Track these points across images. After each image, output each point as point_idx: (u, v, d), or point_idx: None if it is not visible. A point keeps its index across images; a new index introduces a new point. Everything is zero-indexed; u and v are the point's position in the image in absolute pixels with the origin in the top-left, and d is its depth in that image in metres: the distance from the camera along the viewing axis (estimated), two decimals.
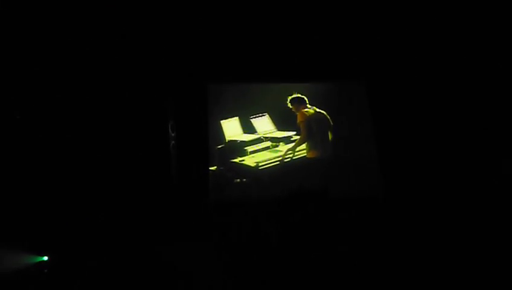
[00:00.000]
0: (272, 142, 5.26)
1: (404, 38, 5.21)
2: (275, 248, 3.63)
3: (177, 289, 3.86)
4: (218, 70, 5.20)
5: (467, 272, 3.55)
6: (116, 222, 4.42)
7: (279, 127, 5.33)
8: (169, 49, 5.06)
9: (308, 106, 5.30)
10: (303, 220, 3.71)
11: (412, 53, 5.27)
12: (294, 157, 5.18)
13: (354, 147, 5.27)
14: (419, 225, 4.42)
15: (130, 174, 4.66)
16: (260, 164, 5.07)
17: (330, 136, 5.28)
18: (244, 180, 5.03)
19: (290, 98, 5.33)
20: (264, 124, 5.32)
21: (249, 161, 5.10)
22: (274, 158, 5.15)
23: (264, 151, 5.21)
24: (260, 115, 5.34)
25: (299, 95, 5.34)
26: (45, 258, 4.17)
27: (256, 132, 5.28)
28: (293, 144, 5.21)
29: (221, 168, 5.06)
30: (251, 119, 5.30)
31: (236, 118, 5.28)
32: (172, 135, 5.03)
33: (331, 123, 5.28)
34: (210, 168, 5.03)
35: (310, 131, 5.23)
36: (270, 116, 5.36)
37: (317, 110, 5.30)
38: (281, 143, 5.26)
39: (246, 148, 5.16)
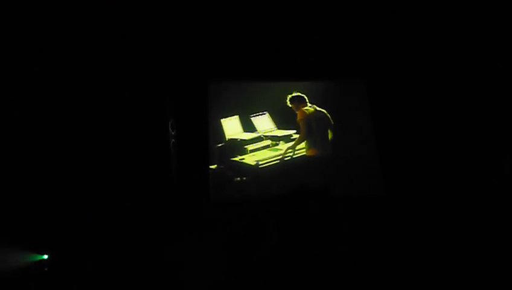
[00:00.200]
0: (272, 140, 5.26)
1: (405, 37, 5.20)
2: (275, 247, 3.63)
3: (177, 288, 3.87)
4: (219, 69, 5.19)
5: (467, 272, 3.56)
6: (116, 221, 4.42)
7: (280, 125, 5.33)
8: (169, 48, 5.04)
9: (309, 104, 5.30)
10: (303, 219, 3.71)
11: (412, 52, 5.27)
12: (294, 156, 5.18)
13: (354, 145, 5.27)
14: (419, 224, 4.43)
15: (130, 173, 4.66)
16: (260, 163, 5.07)
17: (330, 135, 5.28)
18: (245, 178, 5.03)
19: (289, 96, 5.32)
20: (264, 123, 5.32)
21: (249, 159, 5.11)
22: (274, 157, 5.15)
23: (264, 150, 5.21)
24: (260, 113, 5.33)
25: (299, 94, 5.33)
26: (45, 256, 4.17)
27: (256, 130, 5.28)
28: (293, 142, 5.21)
29: (222, 166, 5.07)
30: (251, 118, 5.30)
31: (237, 116, 5.28)
32: (173, 133, 5.02)
33: (332, 122, 5.29)
34: (210, 167, 5.03)
35: (310, 129, 5.24)
36: (270, 114, 5.36)
37: (318, 108, 5.30)
38: (281, 142, 5.26)
39: (246, 146, 5.16)
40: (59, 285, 4.12)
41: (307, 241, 3.48)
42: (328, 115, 5.29)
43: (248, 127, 5.27)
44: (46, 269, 4.14)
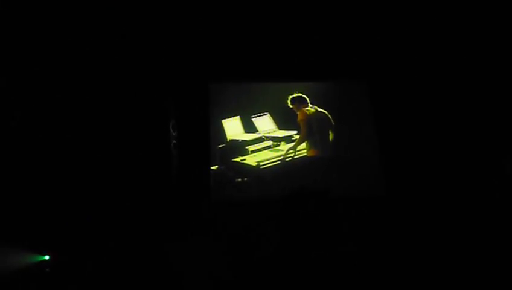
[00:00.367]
0: (273, 141, 5.27)
1: (406, 38, 5.21)
2: (276, 247, 3.63)
3: (178, 288, 3.87)
4: (220, 70, 5.20)
5: (468, 272, 3.57)
6: (117, 222, 4.42)
7: (281, 126, 5.33)
8: (170, 49, 5.05)
9: (310, 105, 5.31)
10: (304, 219, 3.71)
11: (413, 52, 5.28)
12: (295, 157, 5.19)
13: (355, 146, 5.27)
14: (420, 224, 4.44)
15: (131, 174, 4.66)
16: (261, 163, 5.08)
17: (332, 136, 5.29)
18: (246, 179, 5.03)
19: (290, 97, 5.33)
20: (265, 124, 5.33)
21: (250, 160, 5.11)
22: (275, 157, 5.15)
23: (265, 151, 5.21)
24: (261, 114, 5.34)
25: (300, 94, 5.35)
26: (46, 257, 4.17)
27: (257, 131, 5.28)
28: (294, 143, 5.21)
29: (223, 167, 5.07)
30: (252, 119, 5.30)
31: (238, 117, 5.28)
32: (174, 134, 5.02)
33: (333, 122, 5.29)
34: (211, 168, 5.04)
35: (310, 129, 5.24)
36: (272, 115, 5.36)
37: (319, 109, 5.31)
38: (282, 142, 5.26)
39: (247, 147, 5.17)
40: (60, 286, 4.12)
41: (308, 242, 3.48)
42: (329, 115, 5.30)
43: (249, 127, 5.28)
44: (47, 269, 4.13)
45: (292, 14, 4.95)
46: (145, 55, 4.99)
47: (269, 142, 5.25)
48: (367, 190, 5.02)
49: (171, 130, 5.01)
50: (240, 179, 5.03)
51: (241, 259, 3.68)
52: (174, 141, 5.00)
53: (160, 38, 4.95)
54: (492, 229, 4.13)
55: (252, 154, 5.15)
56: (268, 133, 5.29)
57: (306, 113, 5.26)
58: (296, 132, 5.26)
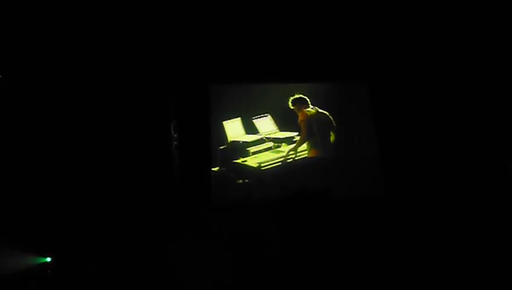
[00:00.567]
0: (274, 142, 5.27)
1: (406, 39, 5.21)
2: (278, 248, 3.63)
3: (178, 288, 3.87)
4: (221, 71, 5.20)
5: (469, 272, 3.55)
6: (119, 223, 4.42)
7: (282, 127, 5.33)
8: (171, 50, 5.06)
9: (311, 106, 5.31)
10: (305, 220, 3.71)
11: (414, 53, 5.27)
12: (296, 158, 5.19)
13: (356, 147, 5.27)
14: (421, 224, 4.42)
15: (133, 176, 4.67)
16: (262, 165, 5.08)
17: (333, 137, 5.28)
18: (247, 180, 5.03)
19: (291, 98, 5.33)
20: (266, 125, 5.33)
21: (251, 161, 5.11)
22: (276, 159, 5.15)
23: (266, 152, 5.21)
24: (262, 115, 5.34)
25: (301, 96, 5.34)
26: (48, 259, 4.18)
27: (258, 132, 5.28)
28: (295, 144, 5.21)
29: (224, 168, 5.07)
30: (253, 120, 5.31)
31: (239, 118, 5.28)
32: (175, 136, 5.03)
33: (334, 123, 5.29)
34: (212, 169, 5.04)
35: (310, 130, 5.24)
36: (273, 116, 5.36)
37: (319, 110, 5.30)
38: (283, 144, 5.26)
39: (248, 149, 5.17)
40: (62, 287, 4.13)
41: (309, 243, 3.48)
42: (330, 116, 5.30)
43: (250, 129, 5.28)
44: (49, 271, 4.14)
45: (293, 16, 4.95)
46: (146, 56, 5.00)
47: (270, 144, 5.25)
48: (368, 191, 5.02)
49: (172, 131, 5.02)
50: (241, 181, 5.03)
51: (242, 260, 3.68)
52: (175, 143, 5.01)
53: (161, 40, 4.96)
54: (493, 230, 4.11)
55: (253, 156, 5.15)
56: (269, 134, 5.29)
57: (307, 114, 5.26)
58: (297, 133, 5.26)
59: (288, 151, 5.18)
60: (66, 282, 4.12)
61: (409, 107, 5.21)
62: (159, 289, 4.00)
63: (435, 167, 4.92)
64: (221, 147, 5.14)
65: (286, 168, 5.11)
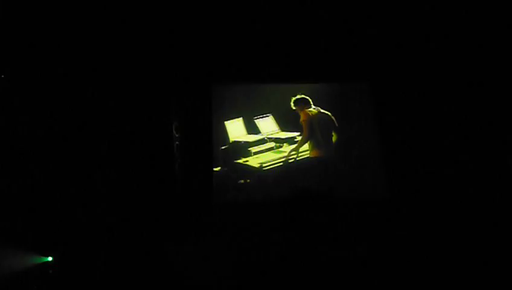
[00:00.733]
0: (276, 142, 5.26)
1: (410, 39, 5.19)
2: (279, 249, 3.62)
3: (181, 288, 3.86)
4: (222, 71, 5.20)
5: (472, 273, 3.54)
6: (120, 223, 4.42)
7: (283, 127, 5.33)
8: (173, 50, 5.05)
9: (313, 106, 5.30)
10: (307, 221, 3.70)
11: (417, 54, 5.26)
12: (298, 158, 5.18)
13: (358, 148, 5.26)
14: (424, 225, 4.41)
15: (134, 176, 4.67)
16: (264, 165, 5.07)
17: (335, 137, 5.27)
18: (248, 181, 5.02)
19: (293, 99, 5.32)
20: (268, 125, 5.32)
21: (253, 161, 5.10)
22: (278, 159, 5.14)
23: (268, 152, 5.20)
24: (264, 115, 5.33)
25: (303, 96, 5.33)
26: (50, 258, 4.17)
27: (260, 132, 5.28)
28: (296, 144, 5.20)
29: (225, 169, 5.06)
30: (255, 120, 5.30)
31: (240, 118, 5.28)
32: (176, 136, 5.03)
33: (336, 124, 5.28)
34: (214, 169, 5.03)
35: (312, 130, 5.23)
36: (274, 116, 5.35)
37: (322, 110, 5.30)
38: (284, 144, 5.25)
39: (249, 149, 5.16)
40: (63, 287, 4.12)
41: (312, 244, 3.47)
42: (332, 117, 5.29)
43: (252, 129, 5.27)
44: (50, 271, 4.14)
45: (295, 16, 4.94)
46: (147, 56, 4.99)
47: (272, 144, 5.24)
48: (370, 192, 5.01)
49: (174, 131, 5.02)
50: (242, 181, 5.03)
51: (244, 260, 3.66)
52: (176, 143, 5.00)
53: (163, 39, 4.95)
54: (498, 231, 4.10)
55: (254, 156, 5.14)
56: (271, 134, 5.28)
57: (308, 114, 5.25)
58: (298, 133, 5.25)
59: (290, 152, 5.17)
60: (67, 282, 4.12)
61: (412, 108, 5.20)
62: (160, 289, 4.00)
63: (438, 167, 4.91)
64: (223, 147, 5.14)
65: (288, 169, 5.10)
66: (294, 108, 5.31)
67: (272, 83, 5.42)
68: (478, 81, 5.06)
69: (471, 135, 4.96)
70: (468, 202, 4.54)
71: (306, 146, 5.22)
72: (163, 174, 4.80)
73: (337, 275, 3.16)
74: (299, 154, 5.19)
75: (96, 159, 4.65)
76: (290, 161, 5.15)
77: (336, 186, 4.89)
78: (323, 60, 5.33)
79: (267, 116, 5.35)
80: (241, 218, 4.56)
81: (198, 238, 4.20)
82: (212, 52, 5.11)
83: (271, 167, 5.09)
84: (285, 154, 5.17)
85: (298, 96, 5.33)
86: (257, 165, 5.06)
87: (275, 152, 5.21)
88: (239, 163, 5.09)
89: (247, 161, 5.11)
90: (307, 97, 5.32)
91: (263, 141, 5.24)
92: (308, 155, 5.20)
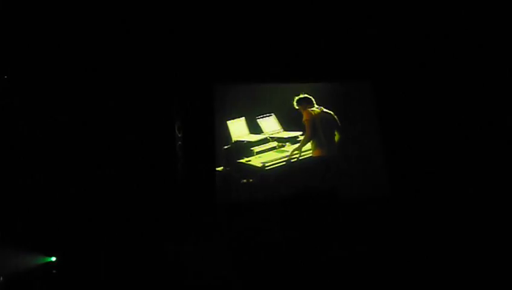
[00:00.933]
0: (278, 142, 5.25)
1: (411, 38, 5.18)
2: (282, 249, 3.62)
3: (183, 288, 3.87)
4: (225, 71, 5.19)
5: (474, 272, 3.53)
6: (123, 223, 4.43)
7: (286, 127, 5.32)
8: (175, 50, 5.06)
9: (316, 106, 5.29)
10: (310, 220, 3.70)
11: (419, 53, 5.25)
12: (300, 158, 5.17)
13: (361, 147, 5.26)
14: (425, 224, 4.41)
15: (137, 175, 4.67)
16: (266, 164, 5.06)
17: (337, 136, 5.27)
18: (251, 180, 5.02)
19: (296, 98, 5.31)
20: (270, 124, 5.31)
21: (256, 161, 5.10)
22: (280, 158, 5.14)
23: (271, 152, 5.19)
24: (266, 115, 5.32)
25: (306, 96, 5.32)
26: (53, 258, 4.19)
27: (262, 132, 5.27)
28: (299, 143, 5.20)
29: (228, 168, 5.06)
30: (257, 120, 5.29)
31: (243, 118, 5.27)
32: (179, 135, 5.03)
33: (338, 123, 5.27)
34: (216, 169, 5.03)
35: (314, 130, 5.22)
36: (277, 116, 5.35)
37: (324, 110, 5.29)
38: (287, 143, 5.25)
39: (252, 148, 5.16)
40: (67, 287, 4.14)
41: (314, 243, 3.47)
42: (334, 116, 5.28)
43: (254, 128, 5.26)
44: (54, 271, 4.15)
45: (297, 16, 4.94)
46: (150, 56, 5.00)
47: (274, 143, 5.24)
48: (372, 190, 5.01)
49: (176, 131, 5.02)
50: (245, 180, 5.02)
51: (246, 260, 3.67)
52: (179, 142, 5.01)
53: (165, 39, 4.96)
54: (499, 230, 4.09)
55: (257, 155, 5.14)
56: (273, 134, 5.28)
57: (311, 113, 5.24)
58: (301, 132, 5.25)
59: (293, 151, 5.16)
60: (70, 281, 4.13)
61: (414, 107, 5.19)
62: (162, 288, 4.01)
63: (440, 166, 4.90)
64: (225, 147, 5.13)
65: (290, 168, 5.09)
66: (297, 107, 5.30)
67: (273, 83, 5.41)
68: (479, 81, 5.05)
69: (471, 134, 4.95)
70: (468, 201, 4.53)
71: (308, 145, 5.22)
72: (165, 173, 4.81)
73: (337, 275, 3.16)
74: (302, 154, 5.18)
75: (99, 159, 4.66)
76: (293, 160, 5.15)
77: (338, 185, 4.88)
78: (325, 59, 5.32)
79: (270, 115, 5.34)
80: (244, 217, 4.57)
81: (199, 238, 4.21)
82: (214, 52, 5.11)
83: (273, 166, 5.09)
84: (288, 153, 5.16)
85: (301, 96, 5.31)
86: (260, 165, 5.06)
87: (277, 151, 5.20)
88: (241, 162, 5.09)
89: (249, 161, 5.10)
90: (310, 96, 5.31)
91: (265, 140, 5.24)
92: (310, 154, 5.20)
